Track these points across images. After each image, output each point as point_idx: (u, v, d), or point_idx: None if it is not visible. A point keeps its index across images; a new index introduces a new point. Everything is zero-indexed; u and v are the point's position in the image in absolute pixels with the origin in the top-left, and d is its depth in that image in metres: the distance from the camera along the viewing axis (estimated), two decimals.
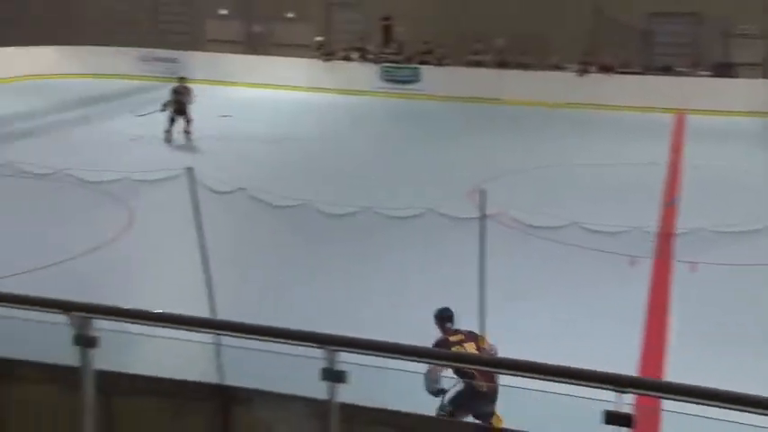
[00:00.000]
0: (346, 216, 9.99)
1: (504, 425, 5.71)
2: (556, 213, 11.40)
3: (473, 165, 16.44)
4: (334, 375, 4.42)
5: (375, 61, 26.33)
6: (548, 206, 12.60)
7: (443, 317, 6.51)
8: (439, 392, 6.10)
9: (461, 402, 6.12)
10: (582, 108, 23.78)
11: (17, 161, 11.82)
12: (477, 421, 6.04)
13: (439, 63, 25.73)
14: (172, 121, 17.97)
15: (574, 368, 3.84)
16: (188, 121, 18.08)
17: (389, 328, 7.85)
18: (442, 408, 6.12)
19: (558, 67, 25.02)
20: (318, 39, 27.37)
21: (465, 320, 6.76)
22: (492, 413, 6.07)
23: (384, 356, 4.46)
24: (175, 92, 18.18)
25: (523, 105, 24.20)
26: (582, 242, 10.38)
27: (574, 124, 21.93)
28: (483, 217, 6.61)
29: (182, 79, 18.80)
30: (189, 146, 17.80)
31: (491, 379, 5.92)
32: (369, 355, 4.46)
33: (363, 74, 26.23)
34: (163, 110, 17.92)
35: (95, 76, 26.10)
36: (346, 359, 4.45)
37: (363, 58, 26.47)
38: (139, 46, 27.27)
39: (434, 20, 26.37)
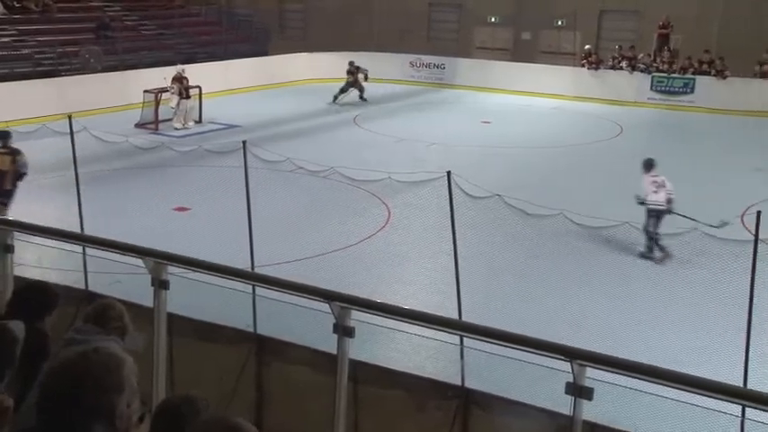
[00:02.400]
0: (603, 229, 9.64)
1: None
2: None
3: (748, 184, 15.10)
4: (578, 390, 4.30)
5: (646, 71, 25.15)
6: None
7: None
8: None
9: None
10: None
11: (294, 157, 12.85)
12: None
13: (719, 74, 23.97)
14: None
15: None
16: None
17: (638, 347, 7.49)
18: None
19: None
20: (587, 47, 26.71)
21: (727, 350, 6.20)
22: None
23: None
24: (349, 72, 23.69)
25: None
26: None
27: None
28: (757, 240, 6.05)
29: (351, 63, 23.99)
30: (446, 150, 18.21)
31: None
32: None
33: (632, 83, 25.16)
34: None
35: (368, 80, 27.65)
36: (593, 375, 4.31)
37: (633, 67, 25.40)
38: (411, 53, 28.44)
39: (718, 28, 24.62)
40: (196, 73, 21.26)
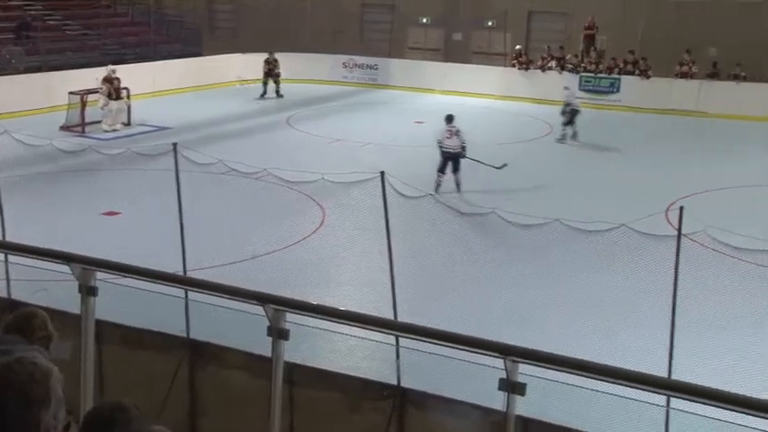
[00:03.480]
0: (534, 227, 9.80)
1: None
2: (760, 236, 10.55)
3: (672, 181, 15.60)
4: (511, 386, 4.36)
5: (574, 71, 25.72)
6: (751, 227, 11.69)
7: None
8: None
9: None
10: None
11: (227, 159, 12.69)
12: None
13: (642, 74, 24.67)
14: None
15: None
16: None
17: (565, 340, 7.63)
18: None
19: None
20: (517, 47, 27.16)
21: (652, 347, 6.40)
22: None
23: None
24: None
25: (734, 120, 22.64)
26: None
27: None
28: (680, 235, 6.25)
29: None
30: (380, 150, 18.25)
31: None
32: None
33: (561, 83, 25.68)
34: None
35: (301, 81, 27.52)
36: (524, 370, 4.38)
37: (562, 67, 25.93)
38: (344, 53, 28.42)
39: (641, 29, 25.35)
40: (125, 74, 20.79)
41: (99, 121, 19.40)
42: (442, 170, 14.62)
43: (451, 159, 14.65)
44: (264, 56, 25.51)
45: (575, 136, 20.01)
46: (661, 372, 5.62)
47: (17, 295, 7.17)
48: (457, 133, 14.81)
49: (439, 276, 10.63)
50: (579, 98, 25.12)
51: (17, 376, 2.14)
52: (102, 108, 19.41)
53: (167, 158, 8.60)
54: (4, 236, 7.99)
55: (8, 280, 7.51)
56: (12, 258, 7.36)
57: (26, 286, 7.41)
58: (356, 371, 6.06)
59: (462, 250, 11.38)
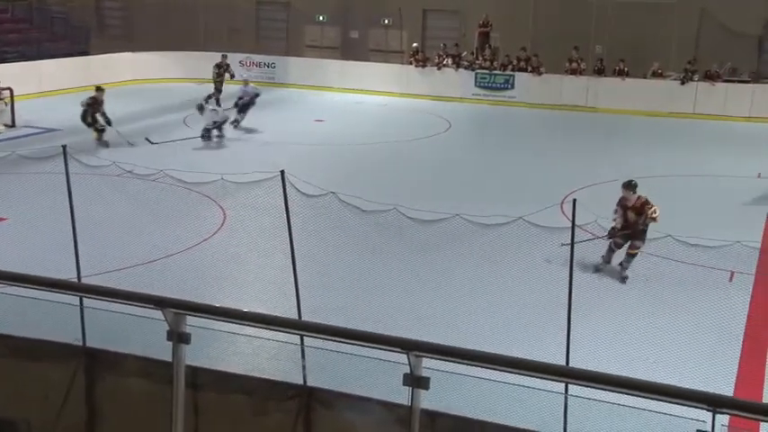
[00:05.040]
0: (435, 222, 9.94)
1: None
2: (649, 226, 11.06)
3: (566, 174, 16.15)
4: (415, 381, 4.42)
5: (469, 68, 26.24)
6: None
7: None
8: None
9: None
10: (684, 117, 23.05)
11: (120, 162, 12.28)
12: None
13: (535, 70, 25.42)
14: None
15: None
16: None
17: (467, 332, 7.79)
18: None
19: (658, 75, 24.38)
20: (414, 45, 27.48)
21: (551, 331, 6.60)
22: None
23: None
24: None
25: (620, 114, 23.66)
26: (677, 255, 10.03)
27: (674, 134, 21.27)
28: (574, 227, 6.47)
29: None
30: (280, 149, 18.11)
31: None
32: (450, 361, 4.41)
33: (457, 80, 26.18)
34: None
35: (196, 80, 26.96)
36: (428, 365, 4.44)
37: (458, 64, 26.42)
38: (240, 52, 28.03)
39: (533, 27, 26.12)
40: (6, 74, 19.83)
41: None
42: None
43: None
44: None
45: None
46: (559, 360, 5.81)
47: None
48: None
49: (342, 274, 10.64)
50: (476, 95, 25.74)
51: None
52: None
53: (57, 161, 8.25)
54: None
55: None
56: None
57: None
58: (261, 372, 5.99)
59: (365, 248, 11.41)
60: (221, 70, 23.58)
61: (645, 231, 10.36)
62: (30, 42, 25.15)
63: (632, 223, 10.35)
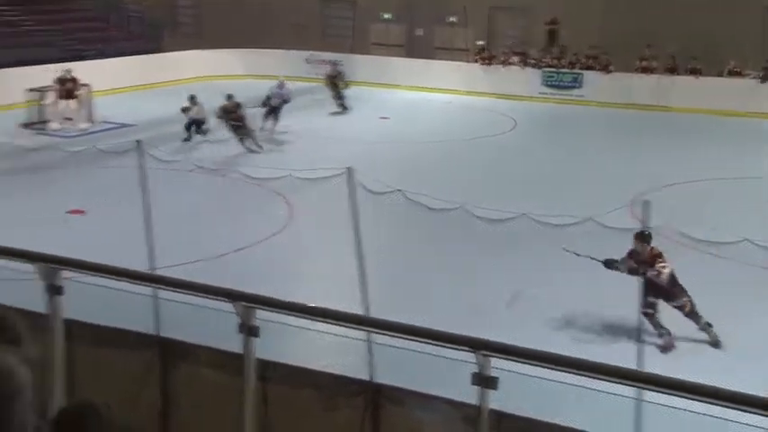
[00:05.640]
0: (502, 222, 9.90)
1: None
2: (724, 229, 10.76)
3: (636, 174, 15.83)
4: (483, 381, 4.40)
5: (536, 66, 25.94)
6: (715, 220, 11.93)
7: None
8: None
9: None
10: (762, 117, 22.34)
11: (193, 157, 12.61)
12: None
13: (604, 69, 24.98)
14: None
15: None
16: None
17: (534, 334, 7.72)
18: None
19: (735, 74, 23.67)
20: (479, 43, 27.31)
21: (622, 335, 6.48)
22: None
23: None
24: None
25: (695, 113, 23.05)
26: (752, 259, 9.76)
27: (750, 135, 20.62)
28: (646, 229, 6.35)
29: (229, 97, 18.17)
30: (346, 146, 18.24)
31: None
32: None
33: (523, 78, 25.92)
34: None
35: (262, 77, 27.35)
36: (495, 364, 4.42)
37: (524, 62, 26.15)
38: (306, 49, 28.32)
39: (602, 24, 25.66)
40: (85, 71, 20.47)
41: (69, 118, 19.17)
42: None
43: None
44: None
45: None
46: (630, 364, 5.70)
47: None
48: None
49: (408, 272, 10.66)
50: (542, 93, 25.41)
51: None
52: (51, 107, 19.15)
53: (131, 156, 8.48)
54: None
55: None
56: None
57: None
58: (329, 367, 6.05)
59: (431, 245, 11.43)
60: (334, 79, 22.62)
61: (677, 283, 8.56)
62: (108, 41, 25.92)
63: (651, 280, 8.39)
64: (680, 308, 8.55)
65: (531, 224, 9.38)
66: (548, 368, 4.50)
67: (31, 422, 2.19)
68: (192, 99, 18.18)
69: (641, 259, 8.48)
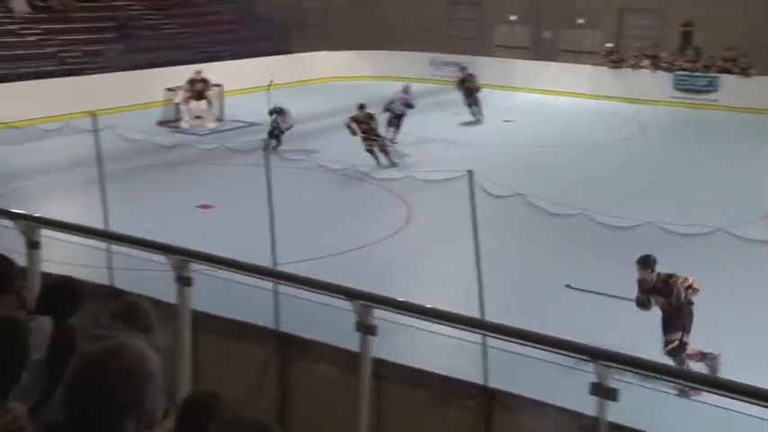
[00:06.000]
0: (625, 229, 9.57)
1: None
2: None
3: None
4: (603, 392, 4.28)
5: (668, 69, 24.95)
6: None
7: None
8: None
9: None
10: None
11: (316, 156, 12.92)
12: None
13: (743, 72, 23.72)
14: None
15: None
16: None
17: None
18: None
19: None
20: (608, 45, 26.56)
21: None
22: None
23: None
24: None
25: None
26: None
27: None
28: None
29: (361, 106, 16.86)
30: (467, 149, 18.16)
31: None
32: None
33: (654, 82, 24.99)
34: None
35: (386, 78, 27.65)
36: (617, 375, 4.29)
37: (655, 65, 25.21)
38: (430, 51, 28.42)
39: (741, 26, 24.38)
40: (218, 71, 21.36)
41: (199, 117, 20.08)
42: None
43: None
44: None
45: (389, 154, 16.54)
46: None
47: (119, 284, 7.46)
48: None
49: (526, 276, 10.51)
50: (674, 98, 24.42)
51: (122, 360, 2.22)
52: (182, 107, 20.05)
53: (259, 154, 8.79)
54: (107, 226, 8.32)
55: (110, 269, 7.82)
56: (114, 248, 7.66)
57: (127, 275, 7.70)
58: (442, 369, 6.05)
59: (550, 251, 11.22)
60: (466, 83, 21.42)
61: (681, 313, 7.80)
62: (240, 42, 26.93)
63: (665, 309, 7.87)
64: (668, 345, 7.71)
65: (656, 233, 9.02)
66: (671, 383, 4.33)
67: (161, 406, 2.29)
68: (281, 110, 17.51)
69: (649, 287, 7.83)
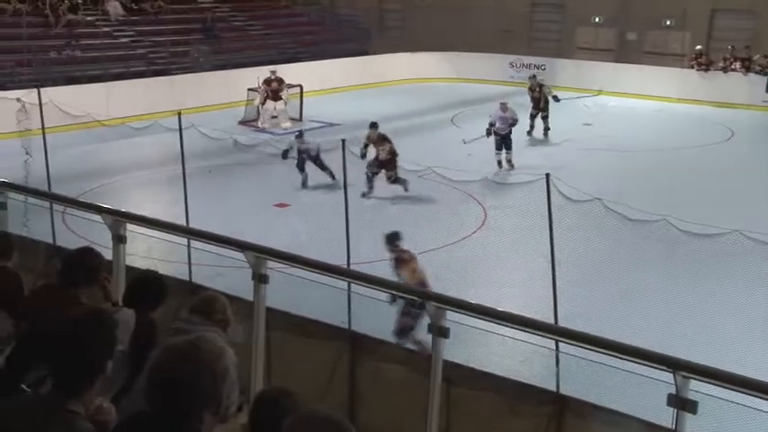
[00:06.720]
0: (709, 237, 9.25)
1: None
2: None
3: None
4: (681, 403, 4.15)
5: (762, 72, 23.99)
6: None
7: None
8: None
9: None
10: None
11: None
12: None
13: None
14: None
15: None
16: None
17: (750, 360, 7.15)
18: None
19: None
20: (698, 47, 25.72)
21: None
22: None
23: None
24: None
25: None
26: None
27: None
28: None
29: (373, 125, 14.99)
30: (545, 152, 17.90)
31: None
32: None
33: (746, 86, 24.10)
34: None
35: (467, 80, 27.51)
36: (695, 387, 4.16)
37: (747, 68, 24.28)
38: (511, 53, 28.14)
39: None
40: (298, 72, 21.67)
41: (275, 117, 20.41)
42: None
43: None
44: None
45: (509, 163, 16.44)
46: None
47: (197, 279, 7.65)
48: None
49: (602, 283, 10.28)
50: (767, 102, 23.47)
51: (201, 353, 2.28)
52: (258, 107, 20.38)
53: (336, 153, 8.88)
54: (187, 222, 8.55)
55: (190, 264, 8.03)
56: (193, 244, 7.86)
57: (205, 271, 7.90)
58: (514, 374, 5.99)
59: (629, 258, 10.95)
60: (535, 92, 19.81)
61: None
62: (321, 44, 27.27)
63: None
64: None
65: (743, 242, 8.68)
66: (754, 396, 4.17)
67: (235, 400, 2.35)
68: (300, 134, 15.04)
69: None
